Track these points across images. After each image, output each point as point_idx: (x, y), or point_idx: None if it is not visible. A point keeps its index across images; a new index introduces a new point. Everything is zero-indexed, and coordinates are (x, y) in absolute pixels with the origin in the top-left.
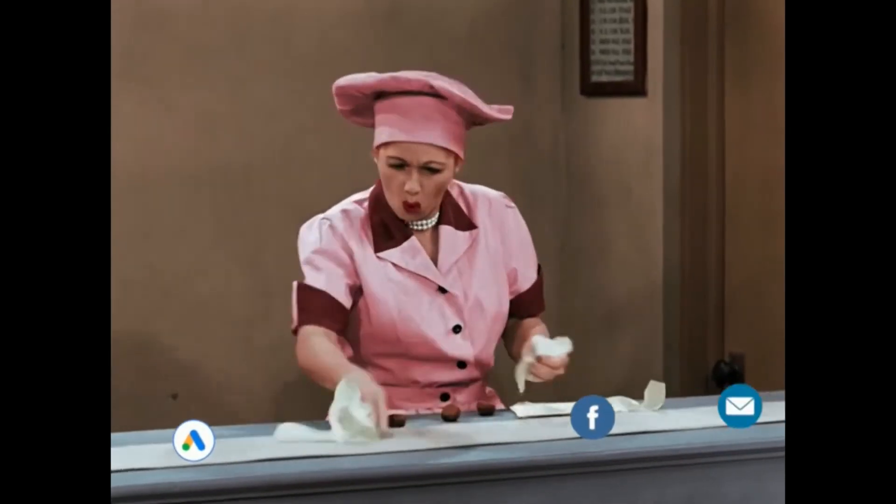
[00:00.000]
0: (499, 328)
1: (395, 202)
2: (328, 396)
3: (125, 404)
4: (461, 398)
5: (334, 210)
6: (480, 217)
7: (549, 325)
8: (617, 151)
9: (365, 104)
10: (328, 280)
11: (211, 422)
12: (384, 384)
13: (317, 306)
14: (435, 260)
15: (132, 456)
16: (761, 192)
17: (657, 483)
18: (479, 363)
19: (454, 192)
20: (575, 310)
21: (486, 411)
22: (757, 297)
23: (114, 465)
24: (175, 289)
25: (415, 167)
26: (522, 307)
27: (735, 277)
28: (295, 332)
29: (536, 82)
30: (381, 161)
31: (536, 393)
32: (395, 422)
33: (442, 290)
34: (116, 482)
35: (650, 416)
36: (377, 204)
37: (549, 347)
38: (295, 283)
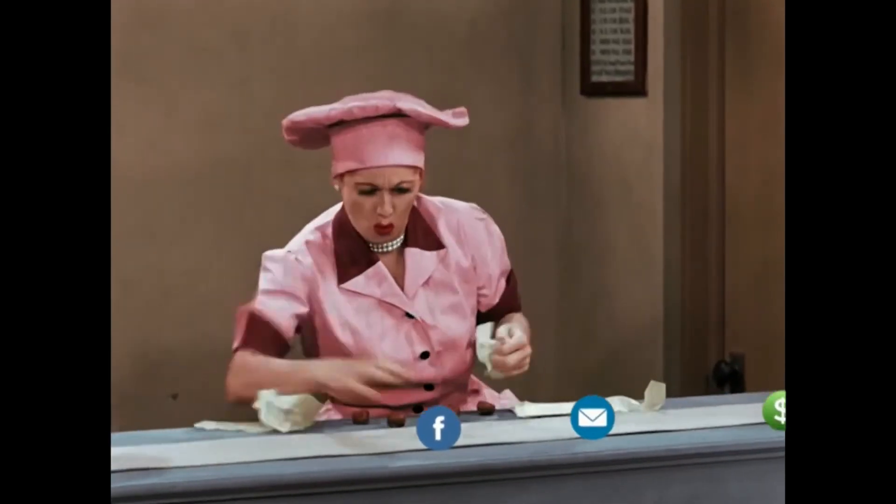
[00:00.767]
0: (469, 350)
1: (365, 226)
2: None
3: (125, 404)
4: (440, 399)
5: (297, 242)
6: (445, 234)
7: (548, 325)
8: (617, 151)
9: (316, 133)
10: (278, 312)
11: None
12: (349, 405)
13: (262, 333)
14: (401, 283)
15: (133, 456)
16: (762, 192)
17: (658, 483)
18: (448, 384)
19: (420, 208)
20: (575, 309)
21: (486, 411)
22: (757, 296)
23: (115, 465)
24: (175, 289)
25: (386, 190)
26: (497, 313)
27: (735, 277)
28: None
29: (537, 82)
30: (347, 188)
31: (537, 393)
32: (394, 421)
33: (409, 315)
34: (116, 482)
35: (650, 417)
36: (340, 230)
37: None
38: (242, 308)
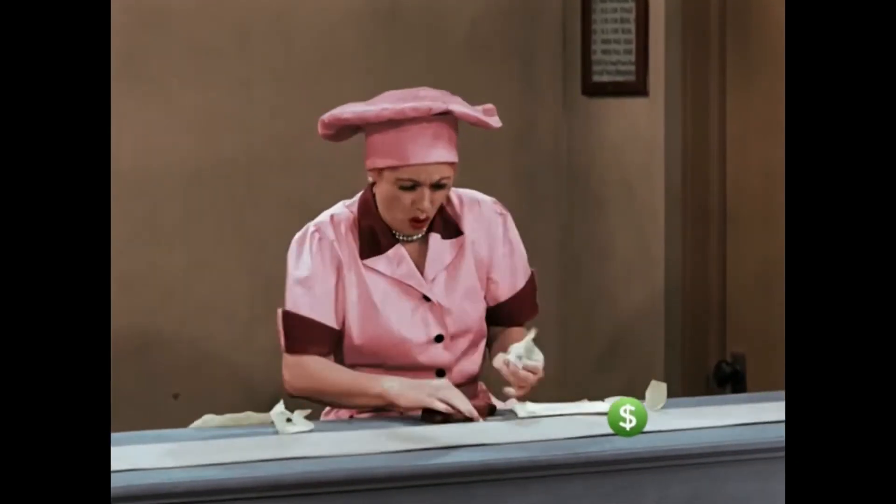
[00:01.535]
0: (481, 338)
1: (401, 219)
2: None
3: (126, 404)
4: None
5: (323, 216)
6: (468, 223)
7: (549, 324)
8: (618, 151)
9: (354, 128)
10: (316, 304)
11: None
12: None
13: (304, 334)
14: (421, 268)
15: (133, 456)
16: (763, 192)
17: (659, 483)
18: (460, 372)
19: (444, 201)
20: (576, 310)
21: (488, 411)
22: (758, 296)
23: (115, 465)
24: (176, 288)
25: (427, 186)
26: (504, 315)
27: (736, 277)
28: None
29: (538, 82)
30: (385, 182)
31: (538, 393)
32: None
33: (426, 298)
34: (117, 482)
35: (652, 416)
36: (366, 209)
37: (526, 353)
38: (280, 311)
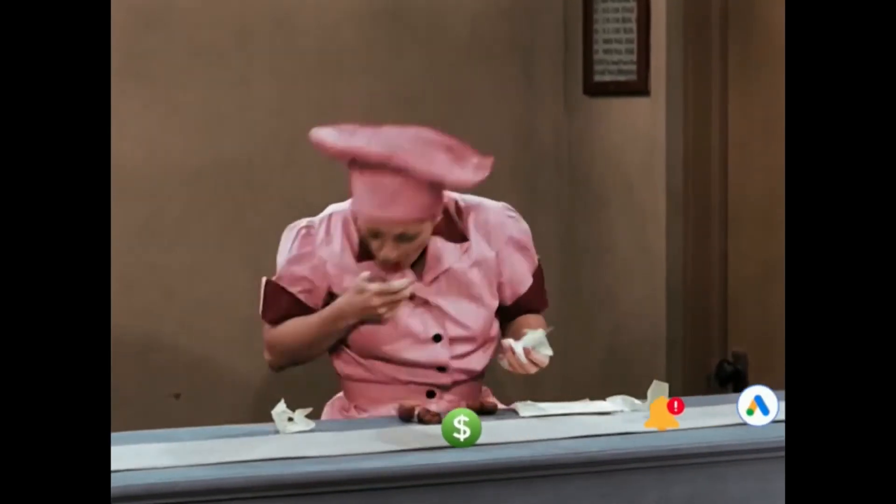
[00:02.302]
0: (484, 341)
1: (377, 257)
2: (329, 396)
3: (127, 404)
4: (449, 397)
5: (321, 215)
6: (473, 230)
7: (552, 324)
8: (619, 151)
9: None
10: (296, 281)
11: (213, 422)
12: (365, 381)
13: (283, 306)
14: (420, 270)
15: (135, 455)
16: (764, 192)
17: (660, 482)
18: (461, 369)
19: (450, 206)
20: (577, 309)
21: (488, 410)
22: (759, 296)
23: (116, 465)
24: (177, 288)
25: (389, 238)
26: (520, 309)
27: (738, 276)
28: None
29: (539, 82)
30: (359, 222)
31: (539, 392)
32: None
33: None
34: (118, 482)
35: None
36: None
37: (537, 342)
38: (264, 279)
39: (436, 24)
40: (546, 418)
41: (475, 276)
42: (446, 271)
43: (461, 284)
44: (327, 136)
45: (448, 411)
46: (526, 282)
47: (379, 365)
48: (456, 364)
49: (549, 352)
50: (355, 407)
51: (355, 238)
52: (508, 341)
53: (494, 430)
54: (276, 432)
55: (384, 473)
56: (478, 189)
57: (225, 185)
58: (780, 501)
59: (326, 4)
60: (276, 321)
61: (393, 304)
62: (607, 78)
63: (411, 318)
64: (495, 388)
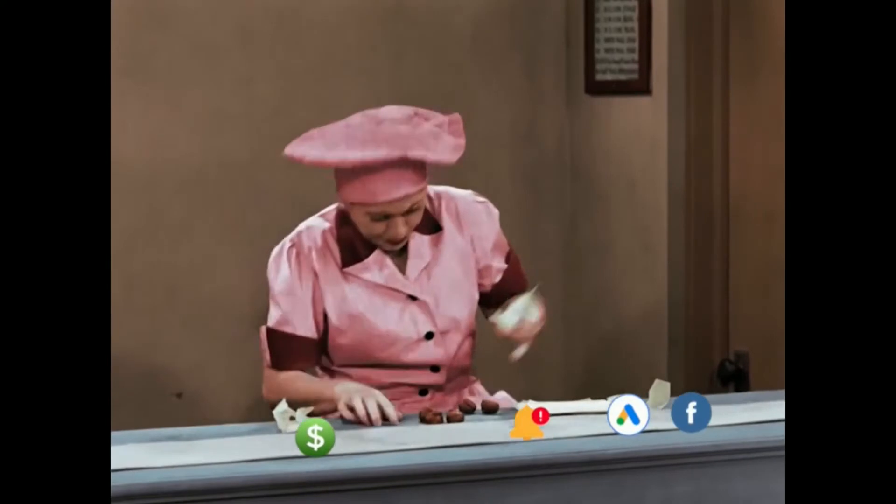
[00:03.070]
0: (472, 330)
1: (378, 240)
2: None
3: (129, 403)
4: (441, 395)
5: (299, 228)
6: (445, 220)
7: (552, 323)
8: (621, 150)
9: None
10: (296, 320)
11: (214, 421)
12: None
13: (287, 350)
14: (403, 268)
15: (136, 454)
16: (766, 190)
17: (662, 482)
18: (453, 366)
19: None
20: (579, 308)
21: (490, 409)
22: (761, 295)
23: (118, 464)
24: (180, 287)
25: (399, 216)
26: (503, 293)
27: (739, 276)
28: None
29: (541, 81)
30: (358, 213)
31: (541, 392)
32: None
33: (412, 297)
34: (119, 481)
35: (655, 415)
36: (343, 221)
37: (524, 310)
38: (263, 328)
39: (438, 23)
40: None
41: (455, 265)
42: (428, 265)
43: (444, 276)
44: (307, 151)
45: (444, 408)
46: (500, 267)
47: (367, 373)
48: (448, 362)
49: (536, 312)
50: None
51: (335, 246)
52: (496, 319)
53: (497, 428)
54: (278, 432)
55: (387, 472)
56: (480, 185)
57: (227, 185)
58: (782, 501)
59: (329, 3)
60: (280, 365)
61: (352, 414)
62: (609, 77)
63: (402, 319)
64: (496, 387)
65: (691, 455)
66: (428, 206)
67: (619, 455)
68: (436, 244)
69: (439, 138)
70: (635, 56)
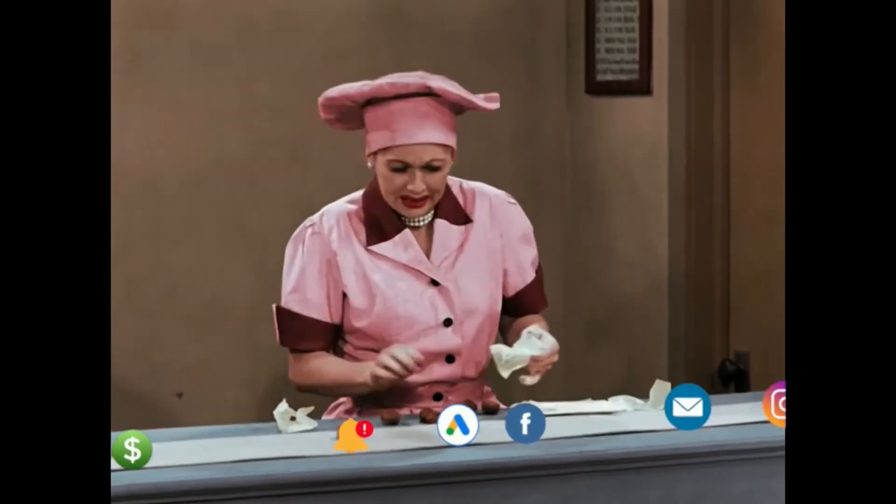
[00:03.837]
0: (491, 325)
1: (396, 201)
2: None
3: (130, 403)
4: (454, 398)
5: (320, 211)
6: (478, 213)
7: (554, 323)
8: (622, 150)
9: (351, 111)
10: (307, 301)
11: (215, 421)
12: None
13: (295, 329)
14: (428, 253)
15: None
16: (766, 191)
17: (663, 482)
18: (469, 359)
19: (454, 188)
20: (580, 308)
21: (492, 410)
22: (762, 295)
23: (118, 464)
24: (180, 288)
25: (417, 168)
26: (521, 305)
27: (740, 276)
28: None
29: (541, 81)
30: (379, 165)
31: (542, 392)
32: (388, 420)
33: (434, 282)
34: (120, 481)
35: (656, 415)
36: (371, 200)
37: (529, 347)
38: (274, 306)
39: (439, 23)
40: (548, 418)
41: (481, 257)
42: (453, 253)
43: (468, 266)
44: (347, 86)
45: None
46: (528, 275)
47: None
48: (464, 352)
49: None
50: (359, 413)
51: (360, 226)
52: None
53: (497, 429)
54: (278, 432)
55: (387, 473)
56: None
57: (227, 185)
58: (782, 500)
59: (329, 3)
60: (289, 343)
61: (388, 372)
62: (610, 77)
63: (422, 303)
64: (497, 388)
65: (692, 455)
66: (459, 198)
67: (620, 455)
68: (464, 235)
69: (469, 92)
70: (636, 56)
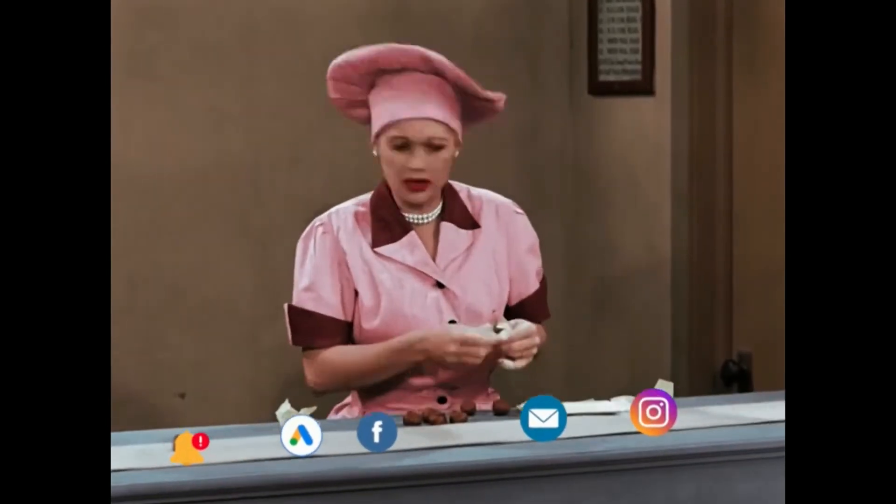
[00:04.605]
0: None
1: (400, 185)
2: (333, 397)
3: (132, 403)
4: (458, 399)
5: (329, 211)
6: (486, 219)
7: (556, 323)
8: (625, 150)
9: (359, 97)
10: (320, 299)
11: (217, 421)
12: (377, 388)
13: (309, 327)
14: (434, 256)
15: (139, 455)
16: (769, 191)
17: (666, 482)
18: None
19: (462, 193)
20: (582, 308)
21: (502, 412)
22: (765, 295)
23: (120, 465)
24: (182, 288)
25: (418, 144)
26: (522, 314)
27: (743, 276)
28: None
29: (544, 82)
30: (382, 146)
31: (544, 392)
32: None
33: (439, 285)
34: (123, 481)
35: None
36: (379, 201)
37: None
38: (286, 305)
39: (440, 23)
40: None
41: (487, 262)
42: (459, 256)
43: (474, 271)
44: (354, 53)
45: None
46: (532, 285)
47: None
48: None
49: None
50: (363, 412)
51: (367, 227)
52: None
53: (499, 430)
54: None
55: (389, 473)
56: (484, 186)
57: (230, 185)
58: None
59: (331, 3)
60: (301, 342)
61: (469, 357)
62: (612, 78)
63: (426, 305)
64: (500, 388)
65: (695, 456)
66: (467, 204)
67: (623, 456)
68: (471, 240)
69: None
70: (638, 57)
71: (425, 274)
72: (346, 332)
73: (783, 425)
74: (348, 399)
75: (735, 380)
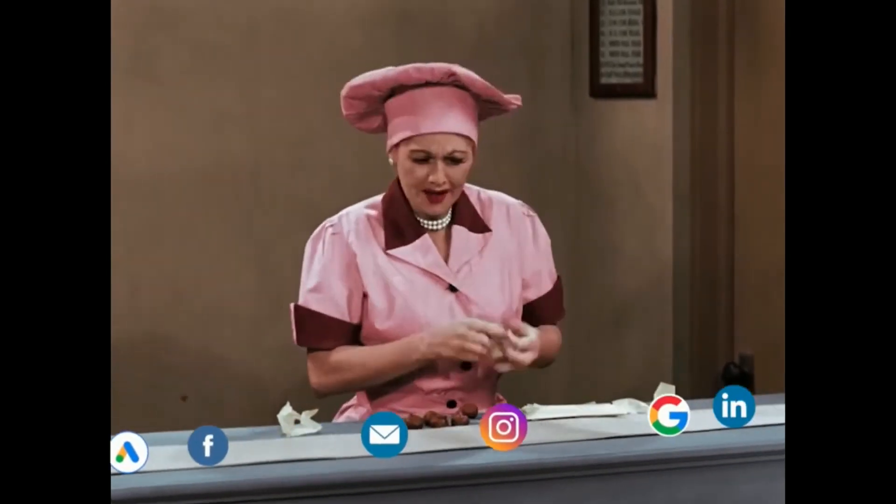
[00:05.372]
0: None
1: (418, 197)
2: (336, 398)
3: (135, 406)
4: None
5: (339, 213)
6: (496, 222)
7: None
8: (626, 153)
9: (373, 108)
10: (327, 300)
11: (220, 423)
12: (385, 392)
13: (314, 327)
14: (446, 259)
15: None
16: (770, 193)
17: (668, 485)
18: (484, 366)
19: (472, 197)
20: (584, 311)
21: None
22: (766, 298)
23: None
24: (185, 290)
25: (439, 158)
26: (536, 315)
27: (745, 278)
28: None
29: (546, 84)
30: (401, 157)
31: (547, 395)
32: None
33: (452, 288)
34: (124, 484)
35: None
36: (391, 204)
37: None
38: (292, 305)
39: (443, 26)
40: (553, 421)
41: (499, 265)
42: (471, 260)
43: (486, 274)
44: (371, 73)
45: (457, 415)
46: (545, 286)
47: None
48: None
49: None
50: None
51: (379, 229)
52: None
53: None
54: (282, 435)
55: (391, 476)
56: (486, 188)
57: (232, 187)
58: None
59: (333, 5)
60: (306, 343)
61: (473, 344)
62: (614, 80)
63: (440, 309)
64: (504, 391)
65: (696, 458)
66: (477, 207)
67: (624, 459)
68: (482, 243)
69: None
70: (640, 59)
71: (438, 277)
72: (351, 333)
73: (783, 428)
74: (353, 400)
75: (736, 382)
